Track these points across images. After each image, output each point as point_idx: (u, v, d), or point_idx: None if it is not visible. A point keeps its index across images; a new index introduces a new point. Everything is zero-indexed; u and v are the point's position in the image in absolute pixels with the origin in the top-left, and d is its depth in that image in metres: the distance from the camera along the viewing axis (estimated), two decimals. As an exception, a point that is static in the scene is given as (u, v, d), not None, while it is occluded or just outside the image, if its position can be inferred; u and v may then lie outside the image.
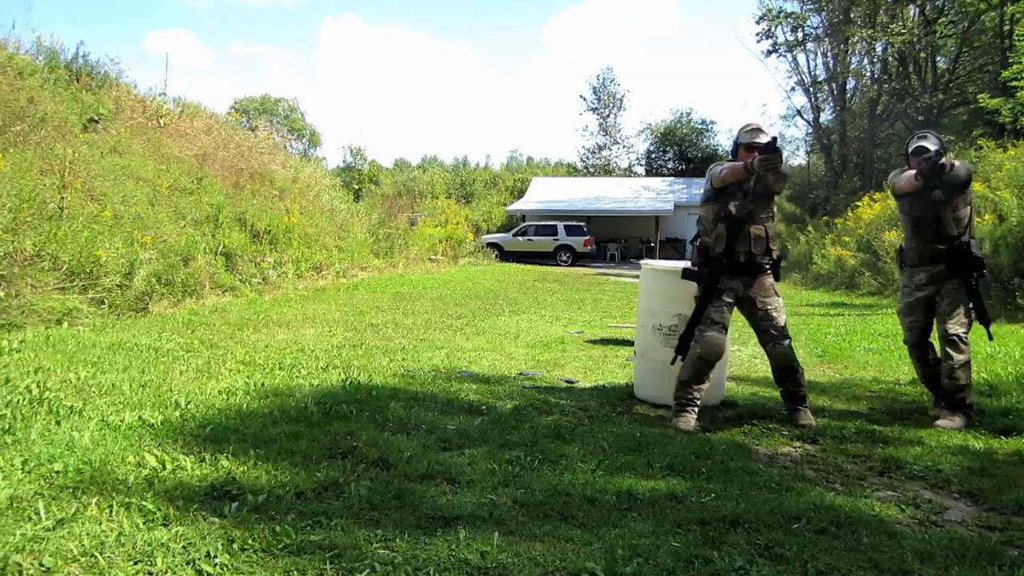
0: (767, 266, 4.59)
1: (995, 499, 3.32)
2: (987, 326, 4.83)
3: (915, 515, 3.14)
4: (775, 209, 4.61)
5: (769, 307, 4.56)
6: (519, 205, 35.64)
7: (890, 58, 28.47)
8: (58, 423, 3.76)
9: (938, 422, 4.62)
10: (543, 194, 36.54)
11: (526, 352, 7.19)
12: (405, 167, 55.27)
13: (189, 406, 4.27)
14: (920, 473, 3.71)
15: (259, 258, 11.67)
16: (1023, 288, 10.28)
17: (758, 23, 31.04)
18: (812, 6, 29.79)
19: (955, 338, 4.58)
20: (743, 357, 7.15)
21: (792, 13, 30.07)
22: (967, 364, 4.61)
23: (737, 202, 4.45)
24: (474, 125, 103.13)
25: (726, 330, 4.57)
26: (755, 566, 2.55)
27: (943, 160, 4.33)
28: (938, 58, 28.78)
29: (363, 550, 2.52)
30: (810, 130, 34.48)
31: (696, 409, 4.55)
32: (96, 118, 11.50)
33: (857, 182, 27.74)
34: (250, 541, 2.53)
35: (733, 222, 4.46)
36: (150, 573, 2.32)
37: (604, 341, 8.16)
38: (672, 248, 30.40)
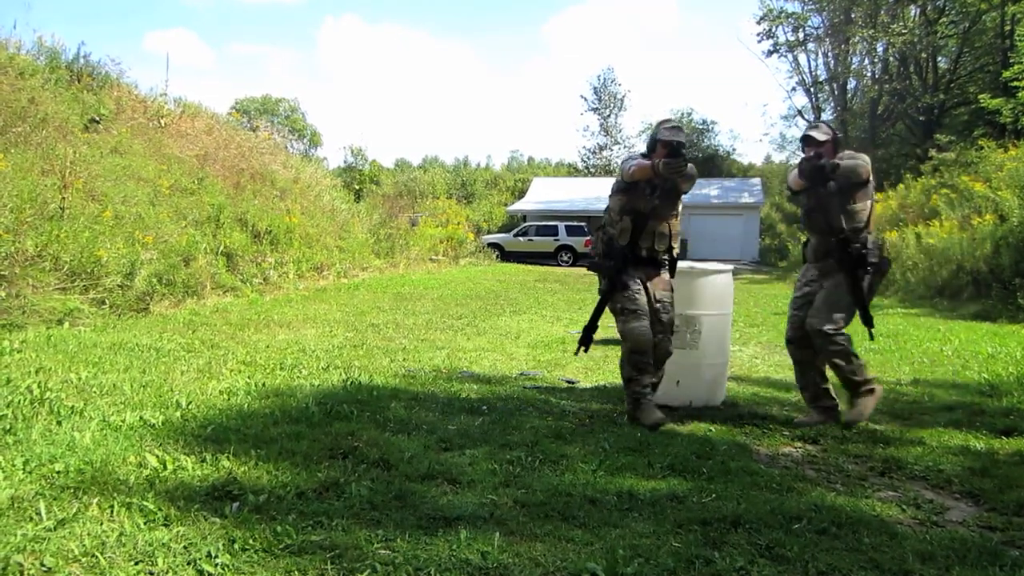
0: (666, 262, 4.72)
1: (996, 499, 3.31)
2: (869, 327, 4.71)
3: (916, 515, 3.13)
4: (680, 207, 4.70)
5: (664, 301, 4.65)
6: (520, 205, 35.68)
7: (891, 58, 28.49)
8: (59, 423, 3.76)
9: (848, 417, 4.56)
10: (544, 194, 36.59)
11: (527, 352, 7.19)
12: (406, 167, 55.27)
13: (190, 406, 4.27)
14: (921, 473, 3.70)
15: (260, 258, 11.68)
16: (1024, 288, 10.28)
17: (759, 23, 31.11)
18: (813, 6, 29.83)
19: (820, 333, 4.47)
20: (744, 357, 7.15)
21: (793, 13, 30.11)
22: (844, 352, 4.50)
23: (645, 197, 4.53)
24: (475, 125, 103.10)
25: (646, 315, 4.55)
26: (756, 566, 2.55)
27: (823, 161, 4.39)
28: (939, 58, 28.79)
29: (364, 550, 2.52)
30: (811, 130, 34.43)
31: (651, 398, 4.56)
32: (97, 118, 11.51)
33: (858, 182, 27.68)
34: (251, 541, 2.53)
35: (639, 217, 4.54)
36: (151, 573, 2.32)
37: (605, 341, 8.14)
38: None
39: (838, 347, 4.48)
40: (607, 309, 4.71)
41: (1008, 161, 14.49)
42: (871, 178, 4.58)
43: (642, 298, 4.57)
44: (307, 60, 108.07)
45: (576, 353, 5.02)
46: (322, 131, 60.98)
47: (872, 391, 4.59)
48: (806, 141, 4.59)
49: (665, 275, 4.71)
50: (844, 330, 4.52)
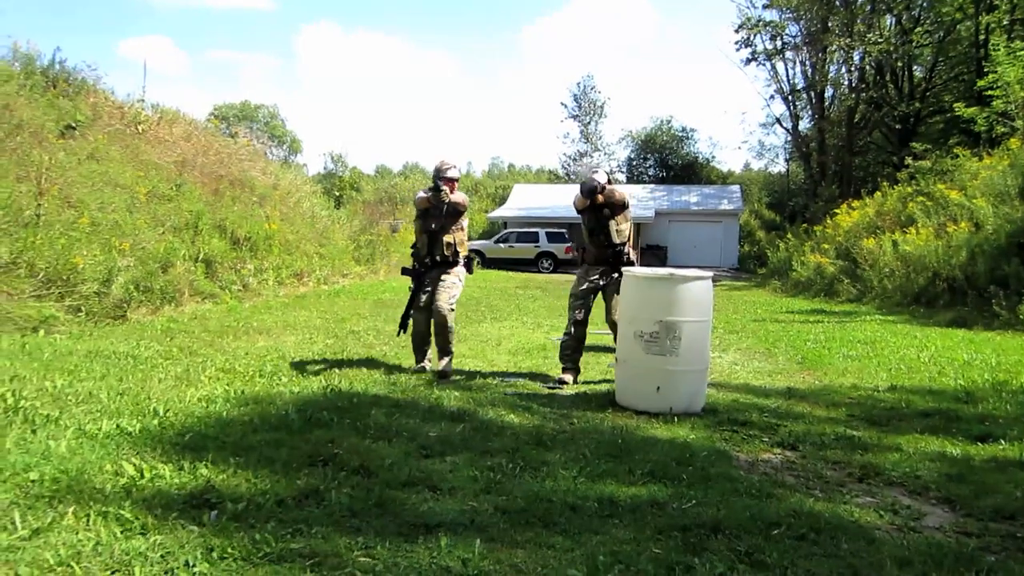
0: (452, 261, 6.31)
1: (972, 505, 3.36)
2: None
3: (894, 521, 3.16)
4: (464, 223, 6.41)
5: (442, 284, 6.22)
6: (501, 212, 35.69)
7: (867, 67, 28.82)
8: (34, 432, 3.71)
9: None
10: (525, 201, 36.64)
11: (508, 359, 7.19)
12: (386, 174, 55.23)
13: (168, 414, 4.23)
14: (899, 479, 3.74)
15: (239, 265, 11.60)
16: (999, 296, 10.41)
17: (737, 31, 31.31)
18: (790, 15, 30.11)
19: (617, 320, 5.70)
20: (723, 364, 7.19)
21: (771, 22, 30.37)
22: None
23: (434, 219, 6.23)
24: (456, 132, 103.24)
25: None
26: (736, 572, 2.56)
27: (594, 185, 6.04)
28: (915, 67, 29.20)
29: (344, 558, 2.51)
30: (789, 138, 34.83)
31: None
32: (73, 124, 11.39)
33: (836, 190, 28.03)
34: (230, 550, 2.51)
35: (432, 234, 6.26)
36: (128, 583, 2.30)
37: (585, 348, 8.16)
38: (653, 255, 30.50)
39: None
40: None
41: (983, 169, 14.68)
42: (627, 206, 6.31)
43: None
44: (285, 66, 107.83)
45: (397, 335, 6.64)
46: (302, 137, 60.91)
47: None
48: (586, 183, 6.18)
49: (455, 269, 6.32)
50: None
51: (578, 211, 6.33)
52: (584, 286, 6.30)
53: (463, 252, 6.39)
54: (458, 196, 6.29)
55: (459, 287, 6.35)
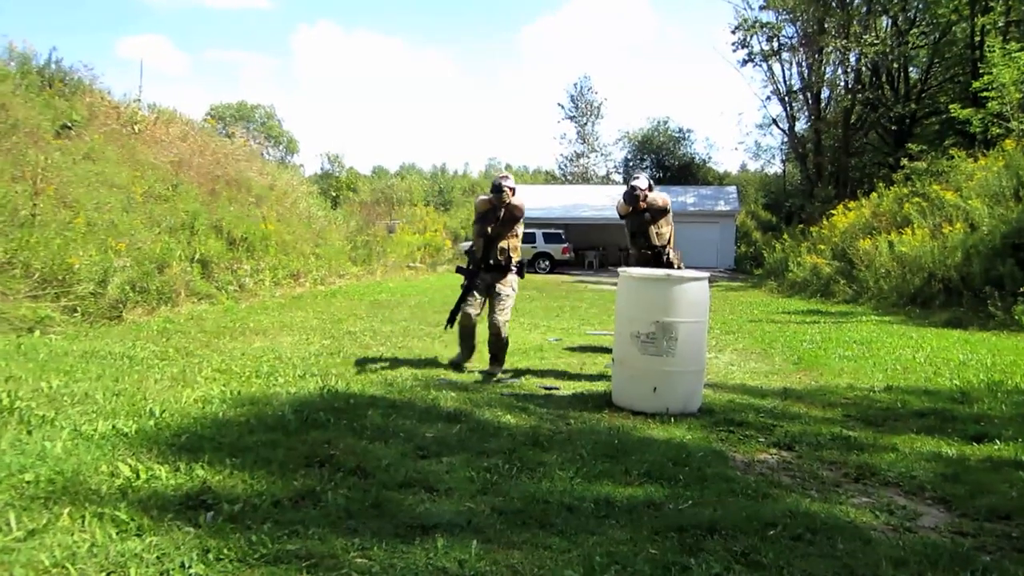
0: (504, 266, 6.50)
1: (968, 505, 3.36)
2: None
3: (889, 521, 3.17)
4: (519, 230, 6.62)
5: (498, 297, 6.47)
6: (497, 212, 35.63)
7: (863, 68, 28.89)
8: (29, 432, 3.70)
9: None
10: (521, 202, 36.58)
11: (505, 360, 7.17)
12: (383, 174, 55.22)
13: (164, 415, 4.22)
14: (894, 479, 3.74)
15: (235, 265, 11.59)
16: (994, 296, 10.43)
17: (734, 33, 31.44)
18: (787, 16, 30.17)
19: None
20: (720, 364, 7.19)
21: (767, 23, 30.46)
22: None
23: (491, 223, 6.45)
24: (453, 133, 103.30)
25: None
26: (732, 573, 2.56)
27: (637, 192, 6.51)
28: (910, 69, 29.27)
29: (340, 559, 2.51)
30: (785, 139, 34.89)
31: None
32: (69, 124, 11.37)
33: (832, 191, 28.08)
34: (226, 551, 2.51)
35: (488, 238, 6.46)
36: (123, 584, 2.29)
37: (582, 349, 8.17)
38: (650, 256, 30.45)
39: None
40: None
41: (978, 171, 14.71)
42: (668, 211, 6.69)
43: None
44: (283, 66, 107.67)
45: (444, 329, 6.85)
46: (298, 138, 60.82)
47: None
48: (632, 188, 6.55)
49: (508, 275, 6.51)
50: None
51: (621, 216, 6.72)
52: None
53: (516, 257, 6.59)
54: (517, 200, 6.50)
55: (513, 297, 6.59)
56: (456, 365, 6.55)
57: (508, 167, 61.18)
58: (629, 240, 6.73)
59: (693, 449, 4.14)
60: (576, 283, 21.94)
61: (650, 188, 6.51)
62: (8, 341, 6.18)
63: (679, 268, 6.57)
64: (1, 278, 7.12)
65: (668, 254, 6.54)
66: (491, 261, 6.49)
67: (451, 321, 6.65)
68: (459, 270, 6.70)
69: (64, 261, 7.75)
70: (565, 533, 2.86)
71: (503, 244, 6.50)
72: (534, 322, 10.56)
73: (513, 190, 6.50)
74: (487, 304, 6.56)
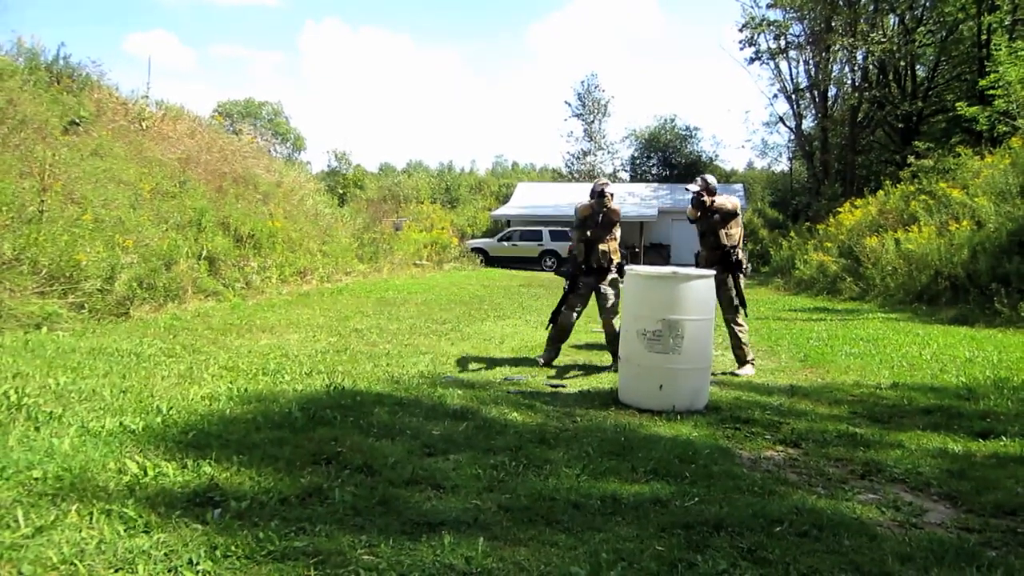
0: (606, 267, 6.81)
1: (974, 501, 3.36)
2: (744, 308, 6.87)
3: (896, 517, 3.17)
4: (617, 233, 6.89)
5: (605, 299, 6.78)
6: (504, 210, 35.66)
7: (870, 66, 28.78)
8: (37, 429, 3.72)
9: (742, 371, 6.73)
10: (528, 199, 36.60)
11: (511, 357, 7.19)
12: (390, 172, 55.23)
13: (171, 412, 4.23)
14: (900, 476, 3.74)
15: (243, 262, 11.60)
16: (1001, 293, 10.40)
17: (741, 31, 31.40)
18: (794, 15, 30.06)
19: (734, 316, 6.78)
20: (726, 362, 7.18)
21: (775, 21, 30.36)
22: (746, 331, 6.93)
23: (591, 228, 6.77)
24: (460, 130, 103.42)
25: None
26: (738, 569, 2.56)
27: (702, 198, 6.73)
28: (917, 67, 29.15)
29: (347, 556, 2.52)
30: (792, 137, 34.77)
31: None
32: (77, 120, 11.40)
33: (839, 188, 28.00)
34: (233, 548, 2.52)
35: (589, 242, 6.79)
36: (132, 580, 2.30)
37: (589, 346, 8.18)
38: (657, 253, 30.47)
39: (745, 327, 7.04)
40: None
41: (984, 168, 14.65)
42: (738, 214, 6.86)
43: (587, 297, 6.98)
44: (290, 63, 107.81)
45: (546, 328, 7.03)
46: (306, 135, 61.04)
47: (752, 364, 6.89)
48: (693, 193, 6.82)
49: (609, 276, 6.80)
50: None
51: (690, 220, 6.99)
52: None
53: (616, 259, 6.88)
54: (615, 204, 6.85)
55: (617, 296, 6.81)
56: (547, 363, 6.83)
57: (515, 165, 61.18)
58: (699, 240, 7.04)
59: (699, 446, 4.13)
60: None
61: (713, 192, 6.80)
62: (16, 338, 6.21)
63: (746, 268, 6.89)
64: (9, 274, 7.15)
65: (736, 254, 6.80)
66: (593, 264, 6.78)
67: (553, 321, 6.97)
68: (560, 272, 6.95)
69: (71, 258, 7.77)
70: (572, 530, 2.87)
71: (603, 247, 6.78)
72: (541, 320, 10.55)
73: (611, 196, 6.79)
74: (589, 305, 6.96)
